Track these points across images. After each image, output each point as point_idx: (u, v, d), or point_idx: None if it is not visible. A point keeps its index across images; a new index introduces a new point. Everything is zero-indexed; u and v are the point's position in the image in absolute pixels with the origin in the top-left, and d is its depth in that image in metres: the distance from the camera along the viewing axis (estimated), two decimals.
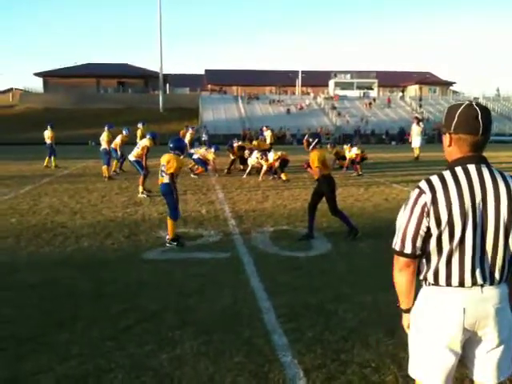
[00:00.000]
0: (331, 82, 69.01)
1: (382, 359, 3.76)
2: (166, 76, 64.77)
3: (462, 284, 2.17)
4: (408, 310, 2.38)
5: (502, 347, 2.23)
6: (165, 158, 7.48)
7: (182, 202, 11.16)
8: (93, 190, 13.30)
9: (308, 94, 67.71)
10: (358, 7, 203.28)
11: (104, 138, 16.13)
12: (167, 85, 66.68)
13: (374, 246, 7.18)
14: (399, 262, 2.26)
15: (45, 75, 71.41)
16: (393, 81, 76.44)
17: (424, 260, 2.26)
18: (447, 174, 2.18)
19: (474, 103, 2.17)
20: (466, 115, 2.14)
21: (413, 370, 2.36)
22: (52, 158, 19.78)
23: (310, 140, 7.71)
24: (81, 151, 28.33)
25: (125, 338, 4.19)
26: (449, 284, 2.19)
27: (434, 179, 2.18)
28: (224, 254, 6.87)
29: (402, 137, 45.84)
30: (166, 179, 7.41)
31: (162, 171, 7.45)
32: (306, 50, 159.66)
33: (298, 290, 5.36)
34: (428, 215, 2.14)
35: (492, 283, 2.19)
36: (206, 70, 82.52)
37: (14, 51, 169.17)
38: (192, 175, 16.33)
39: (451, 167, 2.20)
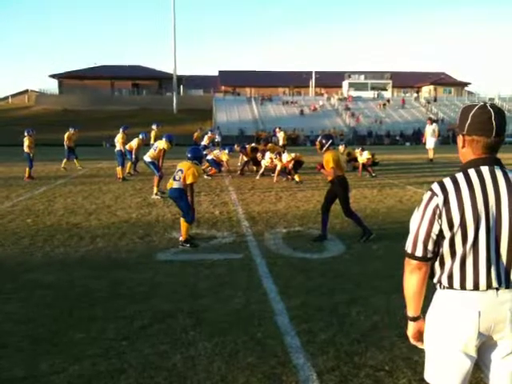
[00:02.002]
0: (345, 83, 68.79)
1: (396, 362, 3.74)
2: (179, 78, 65.08)
3: (476, 287, 2.14)
4: (415, 319, 2.33)
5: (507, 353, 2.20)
6: (184, 166, 7.55)
7: (196, 204, 11.21)
8: (107, 191, 13.40)
9: (322, 94, 67.54)
10: (373, 7, 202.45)
11: (119, 139, 16.28)
12: (181, 86, 66.97)
13: (387, 248, 7.14)
14: (410, 265, 2.23)
15: (60, 77, 72.18)
16: (407, 81, 75.99)
17: (438, 263, 2.23)
18: (460, 176, 2.15)
19: (487, 104, 2.15)
20: (480, 117, 2.12)
21: (428, 375, 2.32)
22: (70, 159, 19.96)
23: (324, 141, 7.73)
24: (95, 153, 28.51)
25: (139, 338, 4.22)
26: (463, 287, 2.16)
27: (447, 181, 2.16)
28: (237, 255, 6.88)
29: (417, 138, 45.55)
30: (176, 184, 7.50)
31: (176, 175, 7.53)
32: (319, 51, 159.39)
33: (310, 291, 5.35)
34: (440, 217, 2.12)
35: (507, 286, 2.15)
36: (220, 72, 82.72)
37: (30, 53, 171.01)
38: (205, 176, 16.37)
39: (464, 169, 2.18)
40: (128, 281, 5.78)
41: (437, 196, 2.13)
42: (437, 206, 2.13)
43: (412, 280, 2.25)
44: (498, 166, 2.17)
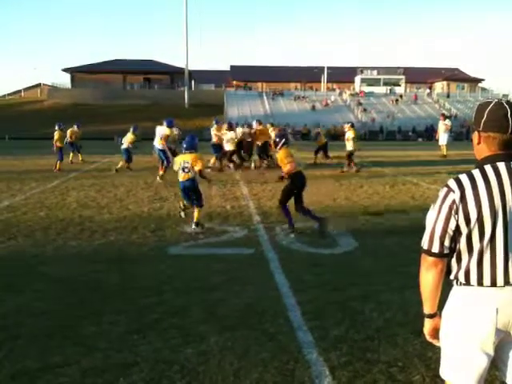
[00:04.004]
0: (357, 78, 68.43)
1: (409, 359, 3.71)
2: (191, 72, 65.09)
3: (494, 284, 2.13)
4: (431, 316, 2.31)
5: None
6: (187, 157, 8.16)
7: (207, 198, 11.21)
8: (119, 185, 13.45)
9: (333, 90, 67.26)
10: (386, 2, 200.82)
11: (127, 139, 16.57)
12: (192, 81, 66.99)
13: (399, 244, 7.09)
14: (427, 261, 2.22)
15: (73, 71, 72.47)
16: (420, 77, 75.42)
17: (454, 259, 2.21)
18: (476, 172, 2.14)
19: (503, 101, 2.15)
20: (495, 113, 2.12)
21: (445, 372, 2.30)
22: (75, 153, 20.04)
23: (277, 140, 8.19)
24: (107, 146, 28.62)
25: (150, 332, 4.22)
26: (480, 284, 2.14)
27: (463, 177, 2.14)
28: (248, 250, 6.87)
29: (429, 134, 45.26)
30: (189, 175, 8.11)
31: (186, 168, 8.08)
32: (332, 47, 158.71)
33: (323, 287, 5.32)
34: (456, 213, 2.11)
35: None
36: (232, 66, 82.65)
37: (42, 47, 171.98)
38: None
39: (480, 165, 2.17)
40: (140, 274, 5.80)
41: (453, 192, 2.12)
42: (453, 201, 2.11)
43: (428, 277, 2.23)
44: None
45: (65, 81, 74.78)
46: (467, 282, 2.18)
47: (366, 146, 32.09)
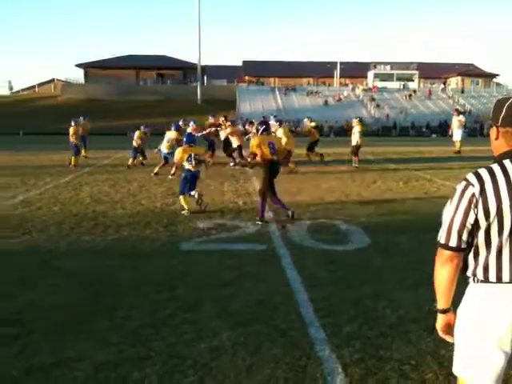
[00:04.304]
0: (370, 73, 68.05)
1: (422, 356, 3.69)
2: (204, 68, 65.14)
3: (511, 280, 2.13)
4: (445, 311, 2.29)
5: None
6: (190, 150, 9.17)
7: (219, 194, 11.26)
8: (132, 180, 13.52)
9: (346, 85, 66.94)
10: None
11: (136, 137, 16.82)
12: (205, 76, 67.03)
13: (413, 241, 7.05)
14: (443, 256, 2.20)
15: (86, 66, 72.84)
16: (434, 72, 74.77)
17: (472, 255, 2.20)
18: (495, 167, 2.14)
19: None
20: None
21: (460, 369, 2.28)
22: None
23: (259, 128, 8.73)
24: (120, 142, 28.73)
25: (163, 327, 4.24)
26: (499, 279, 2.14)
27: (482, 171, 2.14)
28: (261, 246, 6.87)
29: (443, 130, 44.89)
30: (196, 167, 9.19)
31: (195, 159, 9.11)
32: (345, 41, 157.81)
33: (335, 284, 5.31)
34: (476, 206, 2.10)
35: None
36: (244, 62, 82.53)
37: (56, 42, 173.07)
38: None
39: (499, 160, 2.16)
40: (152, 269, 5.83)
41: (472, 186, 2.11)
42: (473, 195, 2.10)
43: (444, 272, 2.21)
44: None
45: (78, 76, 75.25)
46: (485, 279, 2.16)
47: (379, 142, 31.97)
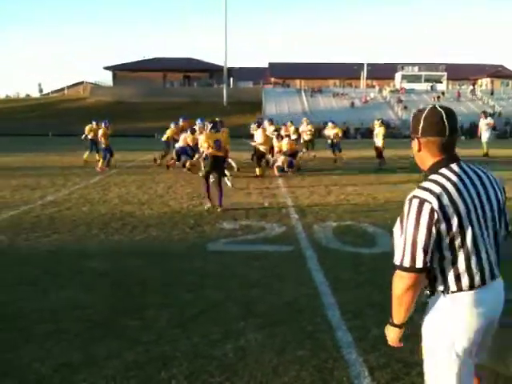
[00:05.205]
0: (398, 75, 67.33)
1: None
2: (230, 70, 65.42)
3: (483, 283, 2.17)
4: (402, 326, 2.29)
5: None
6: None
7: (245, 195, 11.30)
8: (159, 182, 13.67)
9: (373, 87, 66.37)
10: None
11: (168, 132, 17.43)
12: (231, 78, 67.29)
13: None
14: (409, 279, 2.13)
15: (114, 69, 73.90)
16: (463, 74, 73.56)
17: (439, 270, 2.18)
18: (439, 178, 2.15)
19: (437, 106, 2.22)
20: (431, 118, 2.19)
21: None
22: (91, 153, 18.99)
23: (208, 125, 10.17)
24: (147, 143, 29.06)
25: (190, 326, 4.29)
26: (472, 287, 2.16)
27: (431, 185, 2.12)
28: (287, 247, 6.88)
29: (473, 131, 44.14)
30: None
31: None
32: (372, 43, 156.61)
33: (362, 286, 5.29)
34: (438, 222, 2.07)
35: (499, 275, 2.26)
36: (270, 64, 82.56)
37: (85, 45, 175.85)
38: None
39: (436, 171, 2.19)
40: (180, 270, 5.89)
41: (428, 202, 2.08)
42: (431, 210, 2.07)
43: (410, 294, 2.16)
44: (460, 161, 2.23)
45: (107, 79, 76.38)
46: (459, 289, 2.16)
47: (407, 144, 31.58)
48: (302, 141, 20.17)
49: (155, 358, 3.72)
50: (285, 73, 75.64)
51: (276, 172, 15.20)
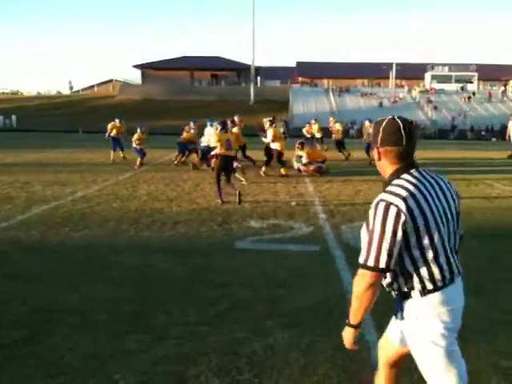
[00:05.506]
0: (427, 75, 66.37)
1: (483, 368, 3.61)
2: (257, 69, 65.43)
3: (452, 280, 2.32)
4: (359, 326, 2.37)
5: None
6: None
7: (273, 194, 11.30)
8: (187, 179, 13.77)
9: (402, 86, 65.59)
10: None
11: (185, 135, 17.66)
12: (259, 77, 67.31)
13: (468, 247, 6.83)
14: (371, 278, 2.22)
15: (143, 67, 74.68)
16: (494, 74, 72.13)
17: (412, 270, 2.26)
18: (402, 182, 2.25)
19: (395, 117, 2.33)
20: (389, 129, 2.29)
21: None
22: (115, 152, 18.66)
23: (218, 126, 10.55)
24: (175, 141, 29.26)
25: (218, 323, 4.31)
26: (444, 284, 2.28)
27: (396, 189, 2.22)
28: (315, 247, 6.85)
29: (504, 133, 43.30)
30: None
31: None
32: (401, 42, 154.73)
33: None
34: (405, 223, 2.15)
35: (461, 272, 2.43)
36: (298, 63, 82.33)
37: (115, 44, 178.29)
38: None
39: (398, 176, 2.29)
40: (207, 266, 5.93)
41: (394, 204, 2.16)
42: (398, 213, 2.15)
43: (370, 293, 2.25)
44: (419, 168, 2.35)
45: (135, 77, 77.29)
46: (435, 287, 2.27)
47: (436, 145, 31.15)
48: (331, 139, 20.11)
49: (184, 354, 3.75)
50: (312, 72, 75.32)
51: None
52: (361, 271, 2.26)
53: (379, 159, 2.37)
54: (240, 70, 71.80)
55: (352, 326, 2.38)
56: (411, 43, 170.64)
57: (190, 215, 8.82)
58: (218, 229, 7.82)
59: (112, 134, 18.69)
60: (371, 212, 2.24)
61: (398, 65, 67.69)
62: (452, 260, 2.32)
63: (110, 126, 19.06)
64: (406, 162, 2.31)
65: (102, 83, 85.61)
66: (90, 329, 4.18)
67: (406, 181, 2.26)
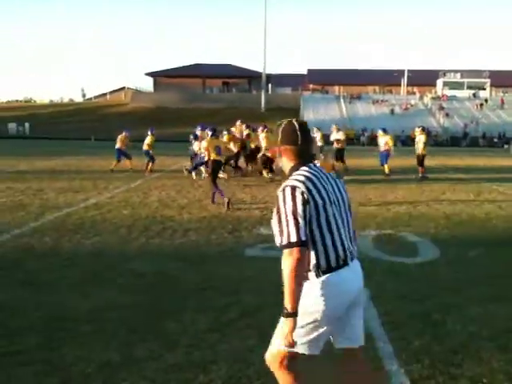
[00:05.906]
0: (439, 82, 66.22)
1: (495, 375, 3.54)
2: (268, 76, 65.65)
3: (346, 262, 2.55)
4: (295, 314, 2.40)
5: (361, 313, 2.76)
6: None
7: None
8: (198, 187, 13.82)
9: (414, 93, 65.40)
10: (469, 2, 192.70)
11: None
12: (269, 85, 67.51)
13: (484, 254, 6.78)
14: (297, 253, 2.34)
15: (155, 75, 75.22)
16: (507, 81, 71.67)
17: (313, 252, 2.47)
18: (301, 172, 2.54)
19: (293, 120, 2.66)
20: (287, 130, 2.62)
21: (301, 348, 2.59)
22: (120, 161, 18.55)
23: (209, 132, 11.36)
24: (185, 148, 29.38)
25: (228, 331, 4.29)
26: (338, 265, 2.50)
27: (296, 177, 2.51)
28: None
29: None
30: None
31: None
32: (412, 49, 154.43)
33: (403, 297, 5.18)
34: (307, 202, 2.41)
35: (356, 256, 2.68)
36: (309, 70, 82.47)
37: (127, 52, 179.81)
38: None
39: (297, 168, 2.57)
40: (218, 274, 5.91)
41: (298, 187, 2.44)
42: (302, 193, 2.42)
43: (301, 270, 2.37)
44: (315, 164, 2.65)
45: (147, 85, 77.85)
46: (328, 268, 2.48)
47: (448, 152, 30.96)
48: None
49: (195, 362, 3.74)
50: (323, 79, 75.39)
51: None
52: (285, 251, 2.38)
53: (280, 156, 2.67)
54: (251, 78, 72.14)
55: (291, 314, 2.40)
56: (423, 49, 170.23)
57: (200, 222, 8.83)
58: (228, 236, 7.82)
59: (117, 146, 18.47)
60: (280, 196, 2.46)
61: (409, 71, 67.54)
62: (347, 243, 2.56)
63: (119, 138, 18.67)
64: (302, 159, 2.60)
65: (115, 91, 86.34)
66: (101, 336, 4.18)
67: (303, 170, 2.55)
